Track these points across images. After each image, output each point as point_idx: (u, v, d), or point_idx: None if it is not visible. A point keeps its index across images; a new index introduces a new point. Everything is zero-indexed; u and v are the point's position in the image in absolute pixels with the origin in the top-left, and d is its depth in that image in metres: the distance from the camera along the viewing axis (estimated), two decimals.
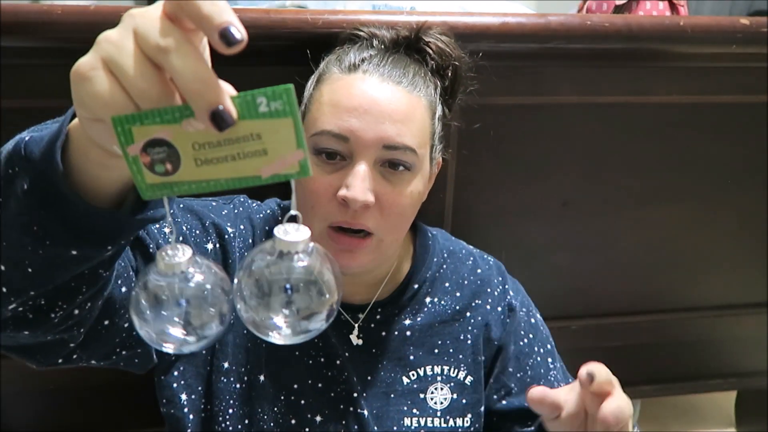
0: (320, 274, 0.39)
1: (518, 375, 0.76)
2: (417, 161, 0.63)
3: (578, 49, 0.85)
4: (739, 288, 1.13)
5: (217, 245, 0.68)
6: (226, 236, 0.68)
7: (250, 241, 0.70)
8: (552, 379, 0.77)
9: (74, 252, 0.43)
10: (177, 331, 0.38)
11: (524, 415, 0.74)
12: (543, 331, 0.80)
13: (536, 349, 0.77)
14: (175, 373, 0.68)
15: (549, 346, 0.79)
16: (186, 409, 0.68)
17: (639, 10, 1.50)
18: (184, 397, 0.68)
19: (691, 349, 1.20)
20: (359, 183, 0.60)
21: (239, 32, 0.32)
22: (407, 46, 0.67)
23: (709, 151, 1.01)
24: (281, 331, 0.39)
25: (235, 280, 0.40)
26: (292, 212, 0.38)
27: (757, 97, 0.97)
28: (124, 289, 0.55)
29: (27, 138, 0.42)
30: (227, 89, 0.34)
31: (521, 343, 0.76)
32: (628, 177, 1.00)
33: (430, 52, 0.67)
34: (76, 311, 0.49)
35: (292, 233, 0.38)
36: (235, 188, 0.36)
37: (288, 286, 0.38)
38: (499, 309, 0.76)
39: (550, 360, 0.78)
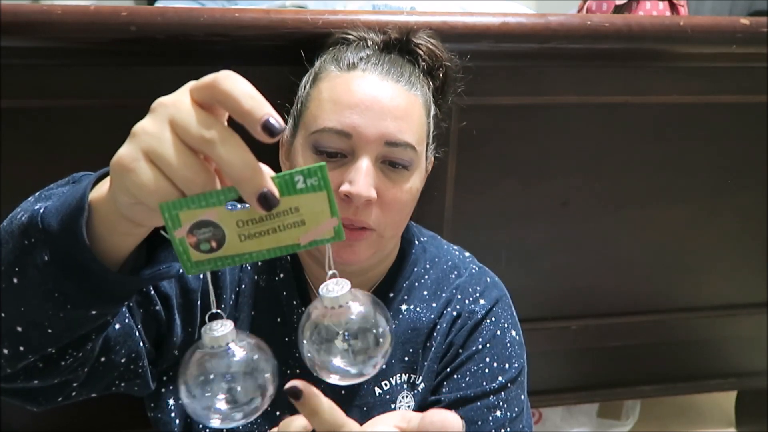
0: (373, 320, 0.41)
1: (455, 376, 0.70)
2: (416, 158, 0.64)
3: (578, 49, 0.85)
4: (739, 288, 1.14)
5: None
6: None
7: None
8: (492, 399, 0.68)
9: (94, 312, 0.44)
10: (222, 405, 0.39)
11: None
12: (509, 350, 0.71)
13: (488, 360, 0.70)
14: (164, 379, 0.68)
15: (507, 366, 0.70)
16: (173, 414, 0.68)
17: (639, 10, 1.50)
18: (171, 402, 0.68)
19: (691, 349, 1.20)
20: (363, 178, 0.59)
21: (278, 123, 0.34)
22: (399, 48, 0.68)
23: (709, 151, 1.01)
24: (347, 374, 0.42)
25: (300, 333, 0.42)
26: (330, 272, 0.41)
27: (757, 97, 0.97)
28: (117, 326, 0.56)
29: (41, 210, 0.42)
30: (268, 172, 0.36)
31: (473, 348, 0.70)
32: (628, 177, 1.00)
33: (421, 53, 0.68)
34: (81, 354, 0.50)
35: (334, 289, 0.41)
36: (275, 256, 0.38)
37: (346, 334, 0.41)
38: (464, 315, 0.72)
39: (500, 378, 0.69)
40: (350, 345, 0.41)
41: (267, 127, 0.34)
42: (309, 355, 0.42)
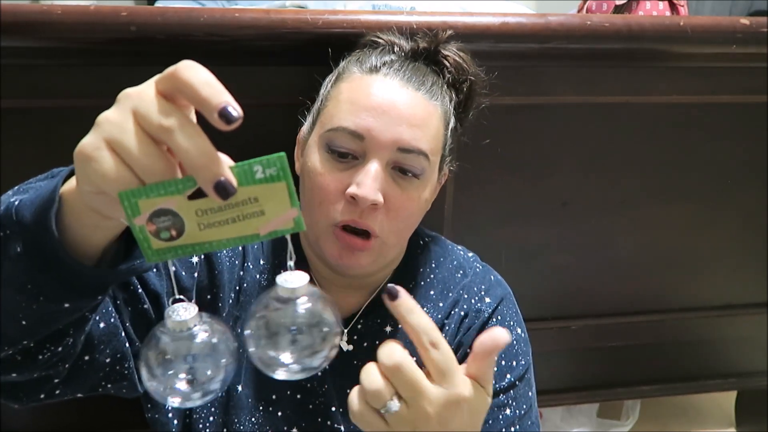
0: (321, 316, 0.42)
1: None
2: (428, 168, 0.63)
3: (578, 49, 0.85)
4: (739, 288, 1.14)
5: (202, 257, 0.67)
6: None
7: (240, 249, 0.70)
8: (502, 398, 0.69)
9: (67, 305, 0.44)
10: (183, 386, 0.40)
11: None
12: (516, 348, 0.72)
13: (495, 358, 0.71)
14: None
15: (515, 364, 0.70)
16: (170, 414, 0.68)
17: (639, 10, 1.50)
18: None
19: (691, 349, 1.20)
20: (370, 182, 0.59)
21: (236, 110, 0.34)
22: (426, 57, 0.67)
23: (709, 151, 1.01)
24: (288, 368, 0.42)
25: (246, 326, 0.42)
26: (290, 263, 0.42)
27: (757, 97, 0.97)
28: (102, 325, 0.56)
29: (16, 202, 0.43)
30: (226, 161, 0.36)
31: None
32: (628, 177, 1.00)
33: (447, 65, 0.67)
34: (61, 349, 0.50)
35: (291, 280, 0.41)
36: (236, 246, 0.38)
37: (293, 328, 0.41)
38: (471, 315, 0.72)
39: (509, 376, 0.69)
40: (297, 339, 0.41)
41: (223, 115, 0.34)
42: (253, 348, 0.42)
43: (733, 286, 1.13)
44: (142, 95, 0.35)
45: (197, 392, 0.41)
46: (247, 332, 0.42)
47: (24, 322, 0.45)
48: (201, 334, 0.40)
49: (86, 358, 0.55)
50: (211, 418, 0.68)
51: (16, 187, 0.48)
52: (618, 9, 1.51)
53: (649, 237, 1.05)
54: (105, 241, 0.43)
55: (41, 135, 0.80)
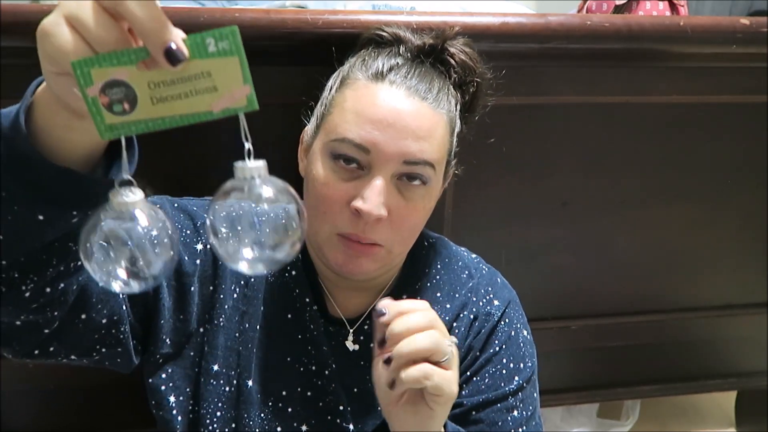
0: (280, 203, 0.41)
1: (474, 379, 0.71)
2: (433, 176, 0.63)
3: (578, 49, 0.85)
4: (739, 288, 1.14)
5: (207, 246, 0.67)
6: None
7: None
8: (511, 400, 0.70)
9: (41, 216, 0.45)
10: (122, 273, 0.41)
11: (459, 417, 0.70)
12: (523, 350, 0.73)
13: (504, 361, 0.71)
14: (163, 376, 0.67)
15: (522, 366, 0.72)
16: (174, 411, 0.68)
17: (639, 10, 1.50)
18: (172, 399, 0.67)
19: (691, 349, 1.20)
20: (375, 197, 0.59)
21: (182, 52, 0.36)
22: (433, 57, 0.66)
23: (709, 151, 1.01)
24: (250, 262, 0.42)
25: (207, 217, 0.42)
26: (248, 145, 0.40)
27: (757, 97, 0.97)
28: (101, 284, 0.56)
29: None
30: (178, 32, 0.37)
31: (490, 351, 0.72)
32: (628, 177, 1.00)
33: (454, 64, 0.66)
34: (48, 289, 0.50)
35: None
36: (189, 124, 0.38)
37: (255, 218, 0.41)
38: (480, 318, 0.73)
39: (517, 379, 0.71)
40: (260, 228, 0.41)
41: (169, 54, 0.36)
42: (219, 236, 0.41)
43: (733, 286, 1.13)
44: None
45: (134, 278, 0.41)
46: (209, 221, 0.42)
47: (0, 237, 0.45)
48: (143, 219, 0.41)
49: (83, 316, 0.55)
50: (219, 414, 0.68)
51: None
52: (618, 9, 1.51)
53: (649, 237, 1.05)
54: (81, 151, 0.44)
55: None
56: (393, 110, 0.60)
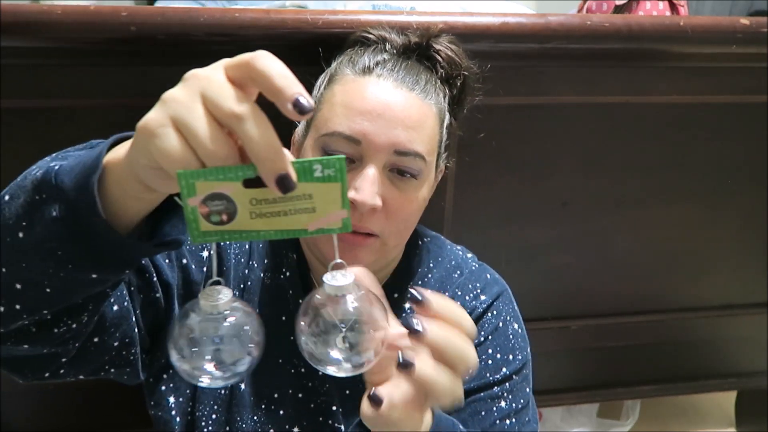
0: (368, 313, 0.43)
1: None
2: (425, 168, 0.63)
3: (578, 49, 0.85)
4: (739, 288, 1.14)
5: (212, 252, 0.68)
6: (222, 243, 0.68)
7: (246, 247, 0.71)
8: (496, 390, 0.69)
9: (94, 276, 0.44)
10: (210, 367, 0.42)
11: None
12: (512, 342, 0.71)
13: (490, 351, 0.70)
14: (165, 376, 0.67)
15: (511, 358, 0.70)
16: (173, 412, 0.68)
17: (639, 10, 1.50)
18: (171, 399, 0.67)
19: (691, 349, 1.20)
20: (368, 186, 0.59)
21: (308, 102, 0.35)
22: (418, 53, 0.67)
23: (709, 151, 1.01)
24: (340, 365, 0.43)
25: (297, 322, 0.44)
26: (336, 261, 0.43)
27: (757, 97, 0.97)
28: (116, 308, 0.56)
29: (56, 167, 0.42)
30: (288, 156, 0.37)
31: (475, 342, 0.67)
32: (628, 177, 1.00)
33: (440, 60, 0.67)
34: (76, 325, 0.49)
35: (339, 278, 0.42)
36: (279, 238, 0.39)
37: (342, 325, 0.42)
38: (467, 311, 0.72)
39: (504, 370, 0.69)
40: (347, 337, 0.42)
41: (297, 105, 0.35)
42: (306, 345, 0.43)
43: (733, 286, 1.13)
44: (212, 79, 0.36)
45: (224, 373, 0.42)
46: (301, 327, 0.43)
47: (48, 290, 0.44)
48: (231, 317, 0.41)
49: (95, 339, 0.55)
50: (214, 416, 0.68)
51: (54, 155, 0.48)
52: (618, 9, 1.51)
53: (649, 237, 1.05)
54: (140, 214, 0.44)
55: (41, 135, 0.80)
56: (382, 101, 0.61)
